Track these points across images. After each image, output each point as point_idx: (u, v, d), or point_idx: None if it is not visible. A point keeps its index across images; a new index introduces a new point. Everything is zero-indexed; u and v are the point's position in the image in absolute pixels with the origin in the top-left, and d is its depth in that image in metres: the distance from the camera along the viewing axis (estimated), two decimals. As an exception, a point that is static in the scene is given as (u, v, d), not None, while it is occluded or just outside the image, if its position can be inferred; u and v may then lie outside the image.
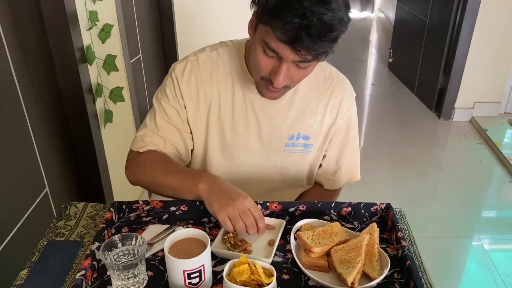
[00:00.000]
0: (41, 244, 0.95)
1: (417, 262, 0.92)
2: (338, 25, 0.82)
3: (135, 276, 0.79)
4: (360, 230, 0.95)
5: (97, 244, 0.85)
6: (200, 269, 0.77)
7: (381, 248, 0.89)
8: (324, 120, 1.10)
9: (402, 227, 1.02)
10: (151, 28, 2.50)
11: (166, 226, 0.96)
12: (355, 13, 6.99)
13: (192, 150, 1.12)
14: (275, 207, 0.99)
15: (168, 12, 2.62)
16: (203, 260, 0.77)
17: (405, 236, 0.96)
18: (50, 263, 0.89)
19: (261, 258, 0.84)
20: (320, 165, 1.17)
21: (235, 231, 0.90)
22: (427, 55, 3.62)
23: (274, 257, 0.87)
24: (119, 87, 1.68)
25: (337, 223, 0.93)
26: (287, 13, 0.79)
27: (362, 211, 1.00)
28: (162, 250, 0.88)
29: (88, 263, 0.82)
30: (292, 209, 0.99)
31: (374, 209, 1.00)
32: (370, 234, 0.88)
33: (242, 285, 0.76)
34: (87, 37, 1.53)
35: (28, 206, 1.33)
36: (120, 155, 1.85)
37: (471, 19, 3.07)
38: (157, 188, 1.05)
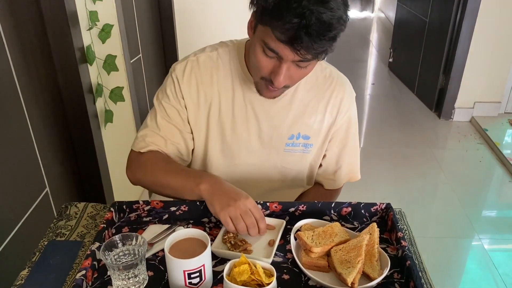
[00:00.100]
0: (42, 244, 0.95)
1: (417, 262, 0.92)
2: (337, 23, 0.82)
3: (135, 276, 0.80)
4: (360, 230, 0.95)
5: (97, 244, 0.86)
6: (201, 269, 0.77)
7: (381, 248, 0.89)
8: (324, 120, 1.10)
9: (402, 227, 1.02)
10: (151, 28, 2.50)
11: (167, 226, 0.96)
12: (355, 13, 7.00)
13: (192, 150, 1.12)
14: (275, 207, 0.99)
15: (168, 12, 2.62)
16: (204, 260, 0.78)
17: (405, 236, 0.97)
18: (50, 263, 0.89)
19: (261, 258, 0.84)
20: (320, 165, 1.18)
21: (236, 231, 0.91)
22: (427, 55, 3.62)
23: (274, 257, 0.88)
24: (119, 87, 1.68)
25: (337, 223, 0.93)
26: (286, 13, 0.80)
27: (362, 211, 1.00)
28: (163, 250, 0.88)
29: (88, 263, 0.82)
30: (292, 209, 0.99)
31: (374, 209, 1.00)
32: (370, 234, 0.88)
33: (242, 285, 0.76)
34: (87, 37, 1.53)
35: (29, 206, 1.33)
36: (120, 155, 1.85)
37: (471, 19, 3.07)
38: (158, 188, 1.05)
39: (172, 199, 1.02)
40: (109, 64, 1.64)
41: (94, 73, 1.59)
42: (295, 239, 0.91)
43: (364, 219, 1.01)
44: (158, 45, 2.64)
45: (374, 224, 0.90)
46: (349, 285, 0.79)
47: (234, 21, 2.44)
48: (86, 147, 1.61)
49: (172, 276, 0.79)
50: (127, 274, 0.78)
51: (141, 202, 0.99)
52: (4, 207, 1.21)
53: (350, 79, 1.15)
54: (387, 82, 4.28)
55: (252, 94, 1.05)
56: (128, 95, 1.99)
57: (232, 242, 0.90)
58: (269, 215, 0.99)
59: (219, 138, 1.09)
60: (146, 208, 0.99)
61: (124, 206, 0.99)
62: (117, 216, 0.98)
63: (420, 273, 0.88)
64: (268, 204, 0.99)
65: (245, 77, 1.05)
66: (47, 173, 1.42)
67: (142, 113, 2.20)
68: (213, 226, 0.98)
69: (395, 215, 0.96)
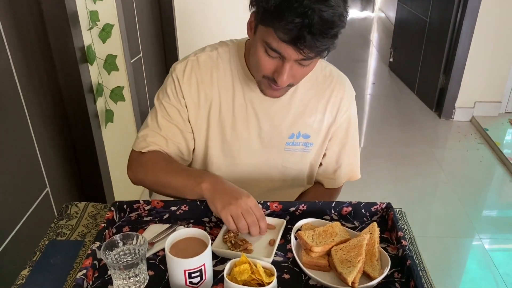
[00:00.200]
0: (42, 243, 0.95)
1: (417, 261, 0.92)
2: (339, 21, 0.83)
3: (136, 276, 0.80)
4: (361, 230, 0.95)
5: (98, 243, 0.86)
6: (201, 269, 0.78)
7: (382, 247, 0.89)
8: (324, 119, 1.10)
9: (402, 226, 1.02)
10: (151, 28, 2.50)
11: (167, 225, 0.96)
12: (355, 13, 7.00)
13: (193, 150, 1.13)
14: (276, 206, 0.99)
15: (169, 12, 2.62)
16: (204, 260, 0.78)
17: (406, 236, 0.97)
18: (51, 263, 0.89)
19: (261, 258, 0.84)
20: (320, 164, 1.18)
21: (237, 230, 0.91)
22: (428, 54, 3.62)
23: (274, 256, 0.88)
24: (119, 87, 1.68)
25: (338, 223, 0.93)
26: (288, 13, 0.80)
27: (363, 210, 1.00)
28: (163, 249, 0.88)
29: (89, 263, 0.82)
30: (292, 209, 0.99)
31: (374, 208, 1.00)
32: (371, 233, 0.88)
33: (243, 284, 0.76)
34: (88, 37, 1.53)
35: (29, 206, 1.33)
36: (120, 155, 1.86)
37: (471, 18, 3.07)
38: (159, 188, 1.05)
39: (173, 199, 1.03)
40: (110, 64, 1.64)
41: (94, 72, 1.59)
42: (296, 238, 0.91)
43: (365, 219, 1.01)
44: (158, 45, 2.64)
45: (375, 224, 0.90)
46: (350, 284, 0.79)
47: (234, 21, 2.44)
48: (87, 147, 1.61)
49: (172, 275, 0.79)
50: (128, 273, 0.79)
51: (141, 202, 0.99)
52: (4, 207, 1.21)
53: (351, 78, 1.15)
54: (387, 82, 4.28)
55: (252, 93, 1.05)
56: (129, 95, 1.99)
57: (233, 242, 0.90)
58: (269, 215, 0.99)
59: (219, 138, 1.09)
60: (147, 207, 0.99)
61: (125, 206, 0.99)
62: (117, 215, 0.99)
63: (420, 272, 0.88)
64: (268, 203, 0.99)
65: (246, 77, 1.05)
66: (47, 172, 1.42)
67: (142, 113, 2.20)
68: (213, 226, 0.98)
69: (395, 214, 0.96)
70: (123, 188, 1.89)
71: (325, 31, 0.81)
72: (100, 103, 1.64)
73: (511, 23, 3.09)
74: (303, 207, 0.99)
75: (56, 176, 1.50)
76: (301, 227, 0.94)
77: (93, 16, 1.53)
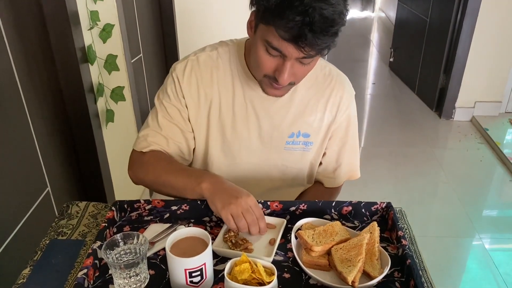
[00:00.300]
0: (43, 243, 0.95)
1: (417, 261, 0.92)
2: (339, 19, 0.83)
3: (136, 275, 0.80)
4: (361, 229, 0.95)
5: (99, 243, 0.86)
6: (202, 268, 0.78)
7: (382, 247, 0.89)
8: (324, 118, 1.10)
9: (402, 226, 1.02)
10: (152, 28, 2.50)
11: (168, 225, 0.97)
12: (356, 13, 7.00)
13: (193, 149, 1.13)
14: (276, 206, 1.00)
15: (169, 12, 2.62)
16: (205, 259, 0.78)
17: (406, 235, 0.97)
18: (52, 262, 0.90)
19: (262, 257, 0.85)
20: (320, 163, 1.18)
21: (238, 230, 0.91)
22: (428, 54, 3.62)
23: (275, 256, 0.88)
24: (120, 87, 1.69)
25: (338, 222, 0.93)
26: (289, 11, 0.80)
27: (363, 210, 1.00)
28: (164, 249, 0.88)
29: (90, 262, 0.82)
30: (293, 208, 1.00)
31: (374, 208, 1.00)
32: (371, 233, 0.88)
33: (243, 283, 0.76)
34: (88, 37, 1.53)
35: (30, 206, 1.33)
36: (121, 154, 1.86)
37: (471, 18, 3.07)
38: (160, 188, 1.05)
39: (173, 198, 1.03)
40: (110, 63, 1.64)
41: (95, 72, 1.59)
42: (296, 238, 0.91)
43: (365, 218, 1.01)
44: (158, 45, 2.65)
45: (375, 223, 0.90)
46: (350, 283, 0.79)
47: (234, 21, 2.45)
48: (87, 147, 1.62)
49: (173, 274, 0.79)
50: (129, 272, 0.79)
51: (142, 201, 0.99)
52: (5, 207, 1.21)
53: (351, 78, 1.15)
54: (387, 82, 4.28)
55: (253, 92, 1.05)
56: (129, 95, 2.00)
57: (233, 241, 0.90)
58: (270, 214, 0.99)
59: (219, 137, 1.09)
60: (147, 207, 1.00)
61: (126, 205, 0.99)
62: (118, 215, 0.99)
63: (420, 272, 0.89)
64: (269, 203, 0.99)
65: (246, 76, 1.05)
66: (48, 172, 1.43)
67: (143, 113, 2.20)
68: (214, 225, 0.99)
69: (395, 214, 0.96)
70: (123, 187, 1.89)
71: (326, 29, 0.82)
72: (101, 103, 1.65)
73: (511, 23, 3.09)
74: (303, 206, 0.99)
75: (56, 176, 1.50)
76: (301, 226, 0.94)
77: (94, 16, 1.53)
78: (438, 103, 3.52)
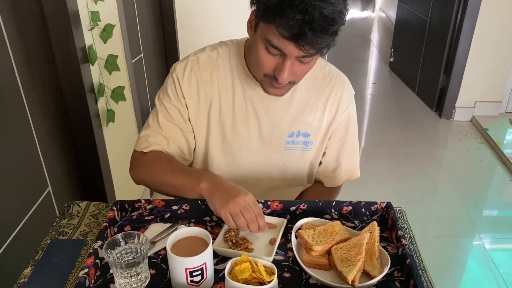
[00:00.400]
0: (45, 242, 0.95)
1: (417, 260, 0.93)
2: (339, 18, 0.84)
3: (137, 274, 0.80)
4: (361, 229, 0.96)
5: (100, 242, 0.86)
6: (202, 267, 0.78)
7: (382, 246, 0.89)
8: (323, 118, 1.11)
9: (402, 225, 1.02)
10: (152, 28, 2.50)
11: (168, 224, 0.97)
12: (356, 13, 7.00)
13: (194, 149, 1.13)
14: (276, 206, 1.00)
15: (170, 12, 2.63)
16: (205, 258, 0.78)
17: (405, 235, 0.97)
18: (53, 262, 0.90)
19: (262, 257, 0.85)
20: (320, 163, 1.18)
21: (237, 229, 0.91)
22: (428, 54, 3.62)
23: (275, 255, 0.88)
24: (120, 87, 1.69)
25: (338, 222, 0.93)
26: (289, 9, 0.81)
27: (363, 210, 1.01)
28: (165, 248, 0.89)
29: (91, 261, 0.82)
30: (293, 208, 1.00)
31: (374, 208, 1.01)
32: (371, 232, 0.88)
33: (244, 283, 0.77)
34: (89, 37, 1.54)
35: (31, 205, 1.34)
36: (122, 154, 1.86)
37: (472, 18, 3.07)
38: (161, 188, 1.06)
39: (174, 198, 1.03)
40: (111, 64, 1.65)
41: (95, 73, 1.59)
42: (296, 237, 0.92)
43: (365, 218, 1.01)
44: (159, 45, 2.65)
45: (375, 223, 0.91)
46: (350, 283, 0.80)
47: (235, 21, 2.45)
48: (88, 147, 1.62)
49: (174, 274, 0.80)
50: (130, 272, 0.79)
51: (143, 201, 1.00)
52: (6, 206, 1.22)
53: (351, 78, 1.15)
54: (388, 82, 4.28)
55: (252, 92, 1.06)
56: (130, 95, 2.00)
57: (234, 241, 0.90)
58: (270, 214, 1.00)
59: (219, 137, 1.10)
60: (148, 207, 1.00)
61: (126, 205, 1.00)
62: (119, 215, 0.99)
63: (420, 271, 0.89)
64: (269, 203, 1.00)
65: (245, 76, 1.05)
66: (49, 172, 1.43)
67: (143, 113, 2.21)
68: (214, 225, 0.99)
69: (395, 213, 0.97)
70: (124, 187, 1.89)
71: (326, 28, 0.82)
72: (101, 103, 1.65)
73: (511, 23, 3.09)
74: (303, 206, 1.00)
75: (57, 176, 1.50)
76: (301, 226, 0.94)
77: (94, 17, 1.54)
78: (438, 103, 3.53)
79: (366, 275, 0.84)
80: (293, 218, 0.99)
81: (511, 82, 3.35)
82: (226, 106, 1.07)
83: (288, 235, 0.94)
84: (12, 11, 1.25)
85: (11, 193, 1.24)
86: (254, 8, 0.91)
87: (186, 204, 1.00)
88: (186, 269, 0.77)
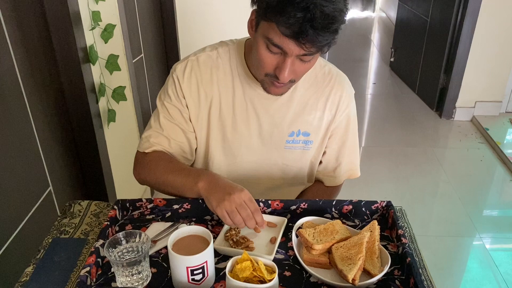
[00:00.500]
0: (46, 241, 0.96)
1: (417, 259, 0.93)
2: (339, 16, 0.85)
3: (139, 273, 0.81)
4: (361, 228, 0.96)
5: (101, 241, 0.87)
6: (203, 266, 0.78)
7: (382, 245, 0.90)
8: (323, 117, 1.11)
9: (402, 224, 1.03)
10: (153, 28, 2.51)
11: (169, 223, 0.97)
12: (356, 13, 7.00)
13: (195, 149, 1.14)
14: (277, 205, 1.00)
15: (170, 12, 2.63)
16: (206, 257, 0.79)
17: (406, 234, 0.97)
18: (55, 260, 0.90)
19: (263, 255, 0.85)
20: (320, 162, 1.19)
21: (238, 228, 0.92)
22: (429, 54, 3.62)
23: (276, 254, 0.89)
24: (121, 87, 1.69)
25: (338, 221, 0.93)
26: (291, 7, 0.81)
27: (363, 209, 1.01)
28: (166, 247, 0.89)
29: (92, 260, 0.83)
30: (293, 207, 1.00)
31: (374, 207, 1.01)
32: (371, 231, 0.89)
33: (245, 281, 0.77)
34: (90, 37, 1.54)
35: (32, 205, 1.34)
36: (122, 154, 1.87)
37: (472, 18, 3.08)
38: (162, 187, 1.06)
39: (174, 197, 1.04)
40: (112, 63, 1.65)
41: (96, 72, 1.60)
42: (297, 236, 0.92)
43: (365, 217, 1.02)
44: (160, 45, 2.65)
45: (375, 222, 0.91)
46: (350, 281, 0.80)
47: (236, 21, 2.45)
48: (89, 146, 1.62)
49: (175, 272, 0.80)
50: (131, 270, 0.80)
51: (144, 200, 1.00)
52: (8, 206, 1.22)
53: (352, 78, 1.16)
54: (388, 82, 4.28)
55: (253, 92, 1.06)
56: (130, 95, 2.00)
57: (234, 240, 0.91)
58: (270, 213, 1.00)
59: (220, 136, 1.10)
60: (149, 206, 1.00)
61: (128, 204, 1.00)
62: (120, 214, 1.00)
63: (420, 270, 0.89)
64: (269, 202, 1.00)
65: (246, 76, 1.06)
66: (50, 172, 1.43)
67: (144, 113, 2.21)
68: (215, 224, 0.99)
69: (395, 213, 0.97)
70: (125, 187, 1.90)
71: (327, 26, 0.83)
72: (102, 103, 1.65)
73: (511, 22, 3.09)
74: (304, 205, 1.00)
75: (58, 175, 1.51)
76: (302, 225, 0.95)
77: (95, 16, 1.54)
78: (438, 103, 3.53)
79: (367, 273, 0.84)
80: (294, 217, 0.99)
81: (511, 81, 3.35)
82: (226, 106, 1.08)
83: (289, 234, 0.94)
84: (13, 11, 1.25)
85: (13, 192, 1.25)
86: (255, 7, 0.92)
87: (187, 203, 1.00)
88: (187, 268, 0.77)
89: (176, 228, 0.94)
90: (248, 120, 1.08)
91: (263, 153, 1.12)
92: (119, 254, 0.82)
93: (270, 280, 0.77)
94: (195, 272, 0.78)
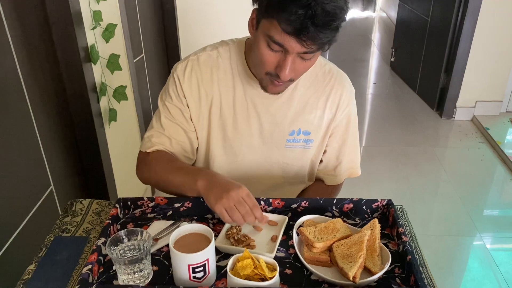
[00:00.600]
0: (48, 239, 0.96)
1: (417, 257, 0.93)
2: (340, 14, 0.85)
3: (140, 271, 0.81)
4: (362, 226, 0.96)
5: (103, 239, 0.87)
6: (205, 264, 0.79)
7: (382, 243, 0.90)
8: (324, 116, 1.11)
9: (403, 223, 1.03)
10: (154, 28, 2.51)
11: (171, 222, 0.98)
12: (357, 13, 7.00)
13: (197, 148, 1.14)
14: (278, 203, 1.01)
15: (171, 12, 2.63)
16: (208, 255, 0.79)
17: (406, 232, 0.98)
18: (57, 258, 0.91)
19: (264, 253, 0.86)
20: (321, 161, 1.19)
21: (238, 226, 0.92)
22: (429, 54, 3.62)
23: (277, 252, 0.89)
24: (122, 86, 1.70)
25: (339, 219, 0.94)
26: (292, 4, 0.82)
27: (364, 207, 1.01)
28: (167, 245, 0.89)
29: (94, 258, 0.83)
30: (294, 206, 1.01)
31: (375, 205, 1.01)
32: (372, 229, 0.89)
33: (246, 279, 0.77)
34: (91, 36, 1.54)
35: (34, 204, 1.35)
36: (123, 153, 1.87)
37: (472, 18, 3.08)
38: (163, 186, 1.07)
39: (176, 196, 1.04)
40: (113, 63, 1.65)
41: (98, 72, 1.60)
42: (298, 234, 0.92)
43: (366, 215, 1.02)
44: (160, 45, 2.66)
45: (376, 220, 0.91)
46: (351, 279, 0.80)
47: (236, 21, 2.45)
48: (90, 146, 1.63)
49: (176, 270, 0.80)
50: (133, 268, 0.80)
51: (145, 199, 1.00)
52: (9, 204, 1.23)
53: (352, 78, 1.16)
54: (389, 81, 4.29)
55: (253, 91, 1.06)
56: (131, 94, 2.01)
57: (236, 238, 0.91)
58: (271, 211, 1.00)
59: (220, 136, 1.10)
60: (151, 204, 1.01)
61: (129, 203, 1.01)
62: (122, 212, 1.00)
63: (420, 268, 0.89)
64: (271, 200, 1.00)
65: (246, 75, 1.06)
66: (51, 171, 1.44)
67: (145, 112, 2.22)
68: (216, 222, 1.00)
69: (396, 211, 0.97)
70: (126, 186, 1.90)
71: (328, 23, 0.83)
72: (104, 102, 1.66)
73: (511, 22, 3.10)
74: (305, 203, 1.00)
75: (60, 174, 1.51)
76: (303, 223, 0.95)
77: (97, 16, 1.54)
78: (439, 103, 3.53)
79: (367, 271, 0.84)
80: (295, 215, 0.99)
81: (511, 81, 3.35)
82: (227, 105, 1.08)
83: (290, 232, 0.95)
84: (15, 11, 1.26)
85: (14, 191, 1.25)
86: (256, 6, 0.92)
87: (188, 202, 1.00)
88: (188, 265, 0.78)
89: (178, 227, 0.94)
90: (249, 119, 1.09)
91: (264, 152, 1.12)
92: (121, 252, 0.82)
93: (271, 278, 0.77)
94: (196, 269, 0.78)
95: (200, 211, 1.00)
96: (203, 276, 0.80)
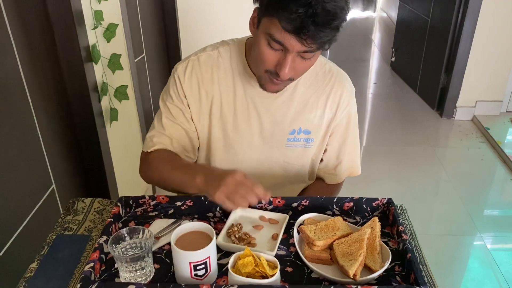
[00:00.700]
0: (50, 238, 0.97)
1: (417, 255, 0.94)
2: (340, 13, 0.86)
3: (142, 269, 0.82)
4: (362, 225, 0.96)
5: (105, 237, 0.88)
6: (206, 261, 0.79)
7: (383, 241, 0.90)
8: (324, 115, 1.12)
9: (403, 221, 1.03)
10: (154, 28, 2.52)
11: (172, 220, 0.98)
12: (357, 13, 7.00)
13: (198, 148, 1.15)
14: (279, 202, 1.01)
15: (172, 11, 2.64)
16: (209, 252, 0.79)
17: (406, 230, 0.98)
18: (59, 256, 0.91)
19: (265, 251, 0.86)
20: (321, 160, 1.19)
21: (240, 224, 0.92)
22: (429, 54, 3.63)
23: (277, 250, 0.89)
24: (123, 86, 1.70)
25: (339, 218, 0.94)
26: (293, 3, 0.82)
27: (364, 206, 1.02)
28: (168, 243, 0.90)
29: (96, 256, 0.84)
30: (295, 204, 1.01)
31: (375, 204, 1.02)
32: (372, 228, 0.90)
33: (247, 276, 0.78)
34: (93, 36, 1.55)
35: (36, 202, 1.35)
36: (125, 152, 1.88)
37: (473, 18, 3.08)
38: (165, 185, 1.08)
39: (177, 194, 1.05)
40: (114, 63, 1.66)
41: (99, 71, 1.61)
42: (298, 233, 0.93)
43: (366, 214, 1.02)
44: (161, 45, 2.66)
45: (376, 218, 0.92)
46: (351, 277, 0.81)
47: (237, 21, 2.45)
48: (92, 145, 1.63)
49: (178, 268, 0.81)
50: (134, 266, 0.80)
51: (147, 197, 1.01)
52: (11, 203, 1.23)
53: (353, 78, 1.16)
54: (389, 81, 4.29)
55: (254, 90, 1.07)
56: (133, 94, 2.01)
57: (237, 236, 0.91)
58: (272, 210, 1.01)
59: (221, 135, 1.11)
60: (152, 203, 1.01)
61: (131, 201, 1.01)
62: (123, 210, 1.00)
63: (420, 266, 0.90)
64: (271, 199, 1.01)
65: (246, 74, 1.07)
66: (53, 170, 1.44)
67: (146, 111, 2.22)
68: (218, 221, 1.00)
69: (396, 209, 0.98)
70: (127, 185, 1.91)
71: (328, 22, 0.84)
72: (105, 102, 1.66)
73: (512, 22, 3.10)
74: (305, 202, 1.01)
75: (61, 174, 1.52)
76: (303, 221, 0.96)
77: (98, 16, 1.55)
78: (439, 103, 3.53)
79: (368, 269, 0.85)
80: (295, 214, 1.00)
81: (511, 81, 3.35)
82: (227, 105, 1.08)
83: (290, 230, 0.95)
84: (17, 11, 1.26)
85: (16, 190, 1.25)
86: (257, 5, 0.93)
87: (189, 200, 1.01)
88: (190, 263, 0.78)
89: (179, 225, 0.94)
90: (249, 119, 1.09)
91: (265, 151, 1.13)
92: (122, 250, 0.83)
93: (272, 276, 0.78)
94: (198, 267, 0.79)
95: (202, 210, 1.01)
96: (205, 274, 0.80)
